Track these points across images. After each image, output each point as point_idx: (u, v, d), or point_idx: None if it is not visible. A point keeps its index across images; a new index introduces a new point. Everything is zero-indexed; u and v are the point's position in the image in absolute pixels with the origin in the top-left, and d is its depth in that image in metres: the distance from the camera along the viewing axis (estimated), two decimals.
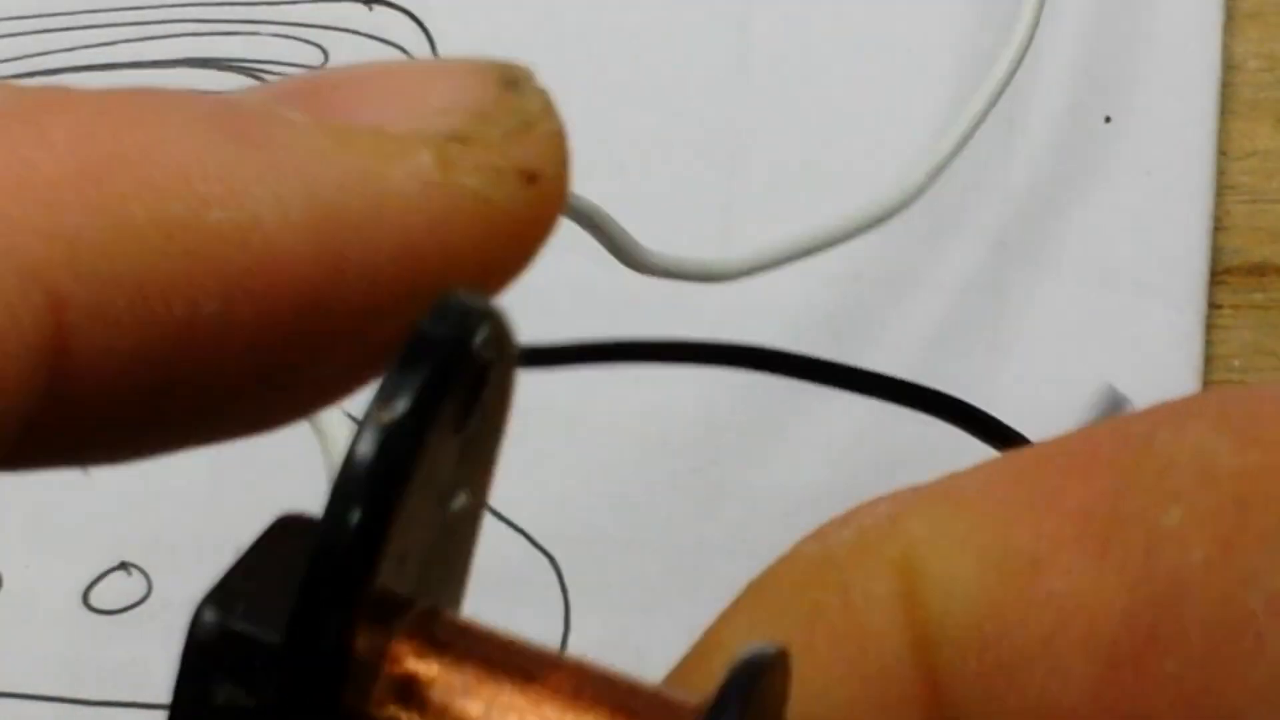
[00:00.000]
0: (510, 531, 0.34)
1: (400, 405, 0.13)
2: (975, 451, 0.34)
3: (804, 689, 0.15)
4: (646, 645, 0.34)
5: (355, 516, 0.13)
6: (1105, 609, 0.14)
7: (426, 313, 0.14)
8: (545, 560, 0.34)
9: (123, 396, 0.15)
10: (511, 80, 0.17)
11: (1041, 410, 0.34)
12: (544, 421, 0.34)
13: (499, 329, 0.15)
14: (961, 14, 0.35)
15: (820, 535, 0.16)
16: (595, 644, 0.34)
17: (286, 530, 0.15)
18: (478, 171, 0.16)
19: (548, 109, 0.17)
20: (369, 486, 0.13)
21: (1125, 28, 0.35)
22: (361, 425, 0.13)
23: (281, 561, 0.15)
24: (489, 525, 0.36)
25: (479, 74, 0.17)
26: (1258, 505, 0.14)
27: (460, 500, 0.15)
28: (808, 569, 0.16)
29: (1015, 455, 0.16)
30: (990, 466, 0.16)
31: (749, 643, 0.14)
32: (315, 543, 0.13)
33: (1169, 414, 0.15)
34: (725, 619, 0.17)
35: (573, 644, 0.34)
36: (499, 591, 0.34)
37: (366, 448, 0.13)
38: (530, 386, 0.35)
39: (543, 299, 0.34)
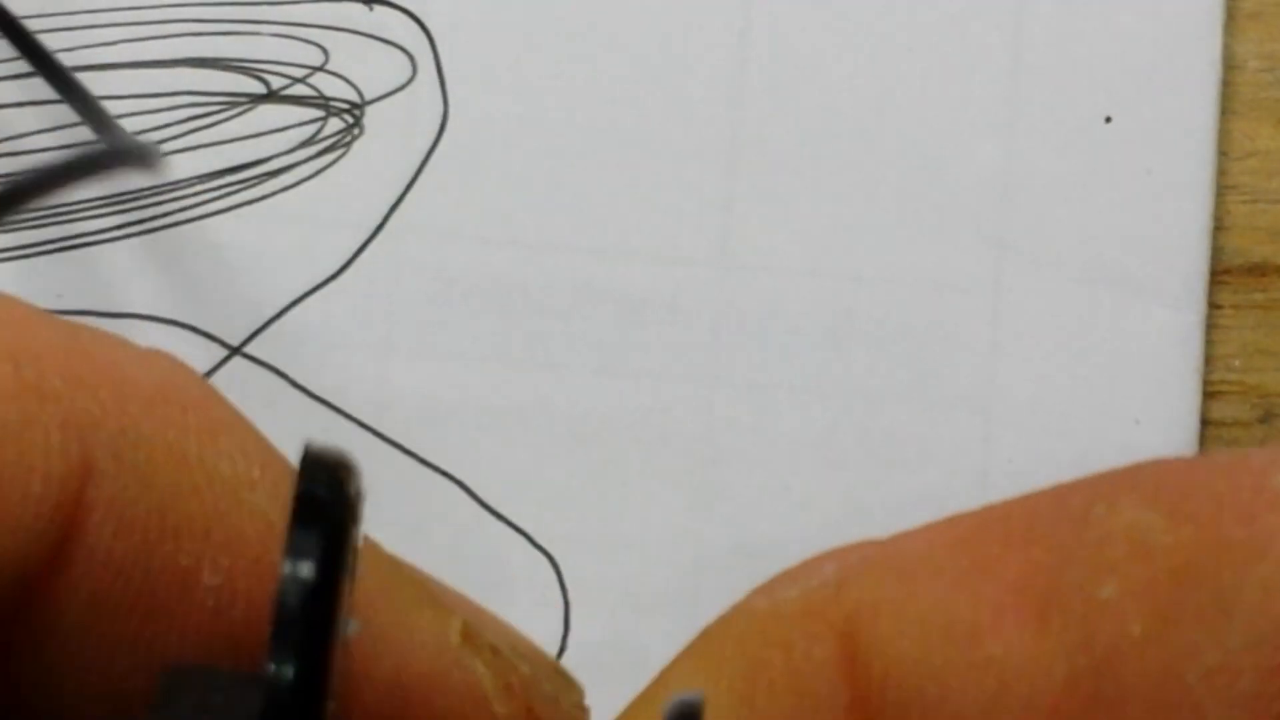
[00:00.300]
0: (510, 531, 0.34)
1: (310, 567, 0.14)
2: (973, 449, 0.34)
3: None
4: (646, 645, 0.34)
5: (291, 672, 0.14)
6: (1045, 676, 0.15)
7: (303, 472, 0.15)
8: (545, 560, 0.34)
9: (109, 626, 0.16)
10: (567, 677, 0.19)
11: (1042, 410, 0.34)
12: (544, 421, 0.34)
13: (359, 474, 0.16)
14: (962, 13, 0.35)
15: (768, 590, 0.17)
16: (595, 644, 0.34)
17: (194, 685, 0.16)
18: (491, 669, 0.18)
19: (580, 711, 0.19)
20: (308, 649, 0.14)
21: (1125, 27, 0.35)
22: (282, 590, 0.14)
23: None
24: (489, 525, 0.36)
25: (543, 653, 0.19)
26: (1192, 580, 0.15)
27: (352, 627, 0.16)
28: (753, 624, 0.17)
29: (957, 521, 0.17)
30: (932, 532, 0.17)
31: (683, 691, 0.15)
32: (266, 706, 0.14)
33: (1105, 487, 0.16)
34: (673, 666, 0.17)
35: (573, 644, 0.34)
36: (499, 591, 0.34)
37: (294, 604, 0.15)
38: (530, 386, 0.35)
39: (540, 291, 0.34)
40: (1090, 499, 0.15)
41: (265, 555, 0.17)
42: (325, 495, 0.15)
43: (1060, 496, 0.16)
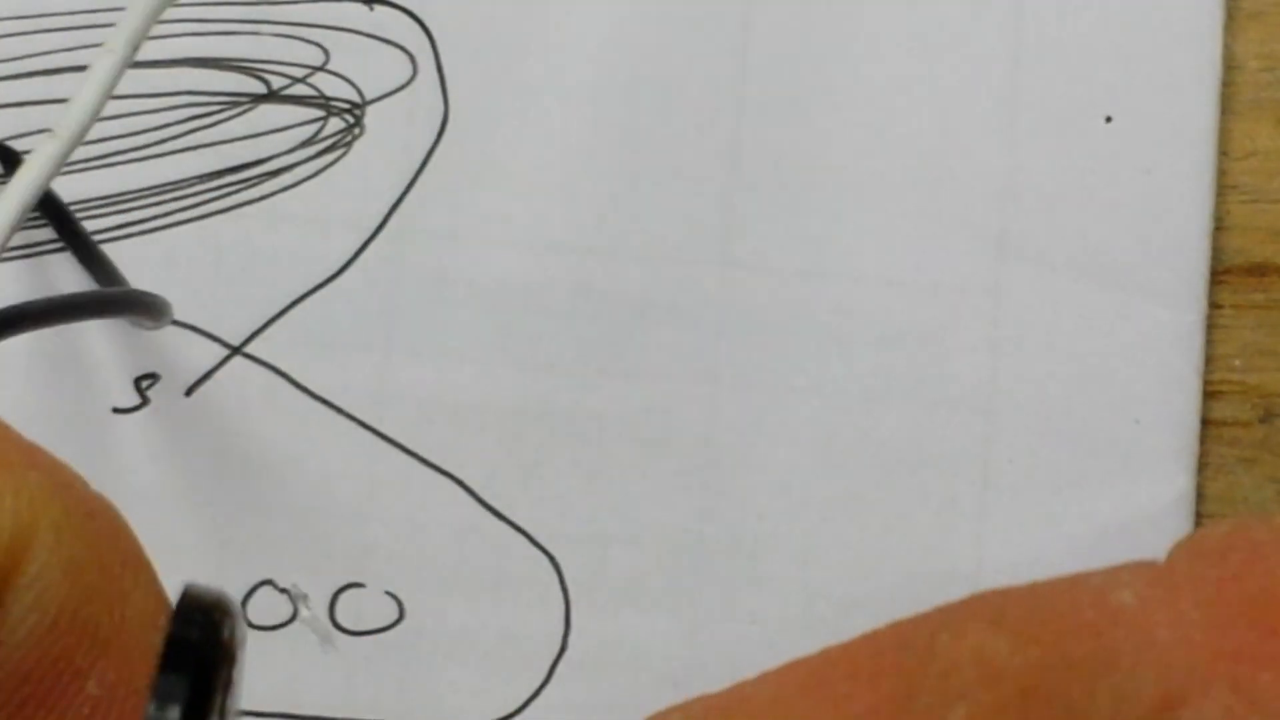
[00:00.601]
0: (510, 531, 0.34)
1: (175, 711, 0.15)
2: (974, 449, 0.34)
3: None
4: (646, 645, 0.34)
5: None
6: None
7: (177, 615, 0.16)
8: (545, 560, 0.34)
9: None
10: None
11: (1042, 410, 0.34)
12: (544, 421, 0.34)
13: (236, 617, 0.16)
14: (962, 13, 0.35)
15: None
16: (595, 644, 0.34)
17: None
18: None
19: None
20: None
21: (1125, 27, 0.35)
22: None
23: None
24: (489, 525, 0.36)
25: None
26: (1042, 697, 0.15)
27: None
28: None
29: (799, 665, 0.17)
30: (776, 676, 0.17)
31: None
32: None
33: (947, 617, 0.16)
34: None
35: (573, 644, 0.34)
36: (499, 591, 0.34)
37: None
38: (530, 386, 0.35)
39: (540, 291, 0.34)
40: (934, 629, 0.16)
41: (144, 693, 0.17)
42: (196, 639, 0.16)
43: (902, 631, 0.16)
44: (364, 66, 0.35)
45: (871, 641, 0.16)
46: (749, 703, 0.16)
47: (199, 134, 0.35)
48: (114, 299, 0.29)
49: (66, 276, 0.34)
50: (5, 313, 0.23)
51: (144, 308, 0.30)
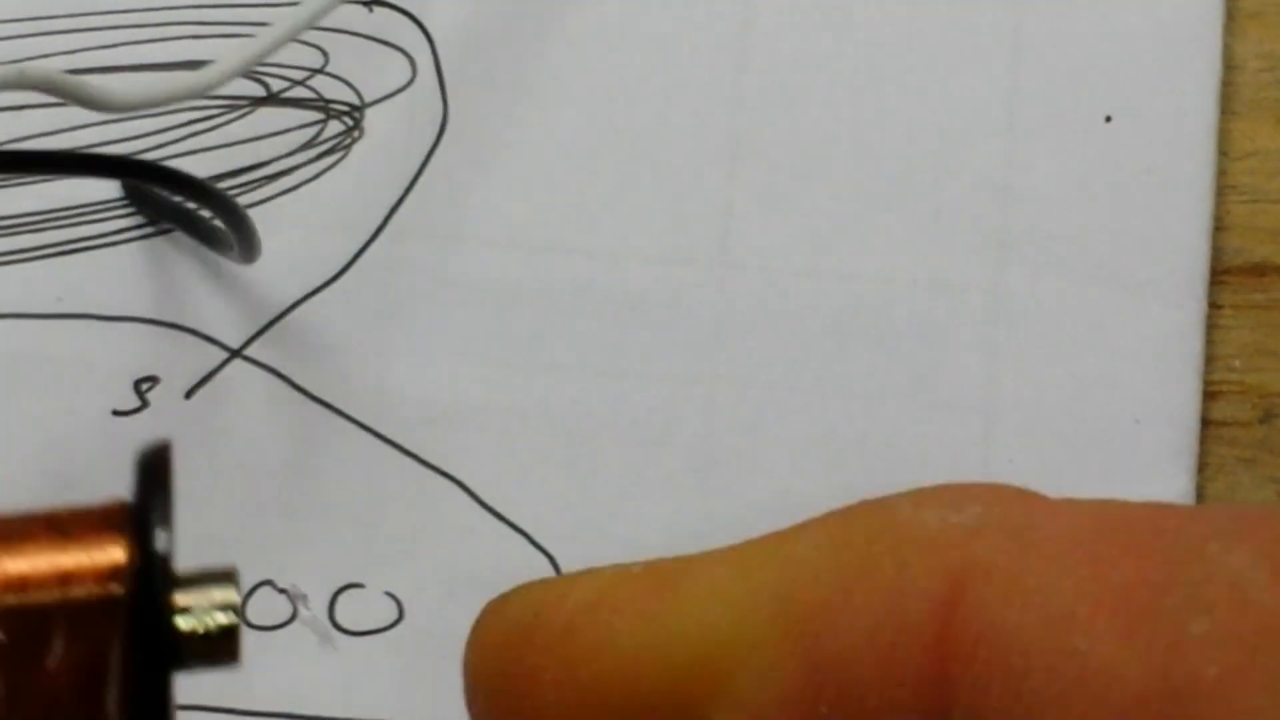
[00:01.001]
0: (510, 531, 0.34)
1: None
2: (973, 449, 0.34)
3: (824, 621, 0.17)
4: None
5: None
6: (1121, 685, 0.15)
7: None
8: (545, 560, 0.34)
9: None
10: None
11: (1042, 410, 0.34)
12: (544, 421, 0.34)
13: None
14: (962, 13, 0.35)
15: (916, 501, 0.18)
16: None
17: None
18: None
19: None
20: None
21: (1125, 27, 0.35)
22: None
23: None
24: (489, 525, 0.36)
25: None
26: (1276, 645, 0.15)
27: None
28: (887, 526, 0.18)
29: (1098, 511, 0.17)
30: (1074, 514, 0.17)
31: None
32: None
33: (1228, 524, 0.16)
34: (806, 526, 0.19)
35: None
36: (499, 591, 0.34)
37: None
38: (530, 386, 0.35)
39: (540, 291, 0.34)
40: (1212, 533, 0.16)
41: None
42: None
43: (1189, 518, 0.16)
44: (363, 69, 0.35)
45: (1159, 518, 0.16)
46: (1030, 532, 0.17)
47: (199, 137, 0.35)
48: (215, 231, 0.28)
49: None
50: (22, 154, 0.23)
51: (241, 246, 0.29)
